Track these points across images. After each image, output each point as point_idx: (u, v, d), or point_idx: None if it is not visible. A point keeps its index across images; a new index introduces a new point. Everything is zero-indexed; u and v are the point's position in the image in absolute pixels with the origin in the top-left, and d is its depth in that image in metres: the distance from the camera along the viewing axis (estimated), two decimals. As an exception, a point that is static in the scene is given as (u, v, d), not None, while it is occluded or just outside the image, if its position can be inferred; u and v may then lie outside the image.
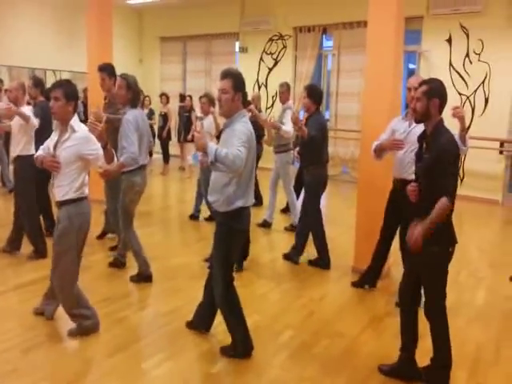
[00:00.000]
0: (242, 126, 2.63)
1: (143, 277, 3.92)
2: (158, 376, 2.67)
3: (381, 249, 3.81)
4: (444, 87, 2.54)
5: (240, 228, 2.75)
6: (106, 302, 3.51)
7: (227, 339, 2.91)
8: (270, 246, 5.10)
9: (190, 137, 8.62)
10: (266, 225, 5.68)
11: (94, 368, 2.72)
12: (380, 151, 3.55)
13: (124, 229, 3.90)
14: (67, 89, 2.82)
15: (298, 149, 4.55)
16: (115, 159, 2.96)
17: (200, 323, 3.10)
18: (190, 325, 3.14)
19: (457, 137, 3.29)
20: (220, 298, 2.80)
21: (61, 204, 2.90)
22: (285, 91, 5.59)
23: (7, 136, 6.30)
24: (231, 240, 2.73)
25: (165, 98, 9.47)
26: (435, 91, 2.48)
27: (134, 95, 3.75)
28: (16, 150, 4.29)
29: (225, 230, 2.73)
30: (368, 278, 3.92)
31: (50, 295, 3.21)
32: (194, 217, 5.99)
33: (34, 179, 4.32)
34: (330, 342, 3.09)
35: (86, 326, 3.04)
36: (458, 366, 2.78)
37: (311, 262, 4.48)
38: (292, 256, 4.54)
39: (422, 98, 2.47)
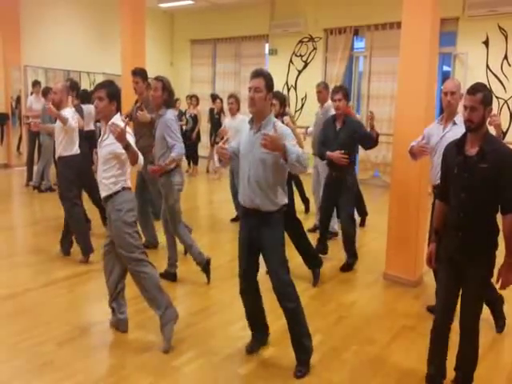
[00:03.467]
0: (285, 128, 2.67)
1: (203, 266, 3.99)
2: (188, 373, 2.70)
3: None
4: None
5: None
6: (138, 300, 3.55)
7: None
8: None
9: (218, 139, 8.72)
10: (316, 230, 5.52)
11: (126, 363, 2.77)
12: (412, 155, 3.53)
13: (174, 228, 3.98)
14: (110, 89, 2.94)
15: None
16: (140, 161, 2.89)
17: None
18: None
19: None
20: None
21: (105, 199, 2.99)
22: (322, 90, 5.35)
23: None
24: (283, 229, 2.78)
25: (194, 99, 9.59)
26: (490, 98, 2.35)
27: (169, 96, 3.85)
28: (58, 151, 4.39)
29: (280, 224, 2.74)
30: None
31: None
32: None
33: (75, 179, 4.43)
34: (360, 348, 3.04)
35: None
36: (494, 379, 2.69)
37: (343, 268, 4.43)
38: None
39: (478, 107, 2.30)
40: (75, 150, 4.39)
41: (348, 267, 4.42)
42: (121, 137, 2.68)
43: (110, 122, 2.87)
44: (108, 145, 2.92)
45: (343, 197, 4.32)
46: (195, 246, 4.00)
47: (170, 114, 3.83)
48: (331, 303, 3.73)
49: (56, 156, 4.46)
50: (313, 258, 4.14)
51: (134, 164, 2.88)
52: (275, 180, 2.67)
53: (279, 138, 2.47)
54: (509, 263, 2.28)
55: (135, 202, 3.10)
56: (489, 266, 2.39)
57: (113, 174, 2.94)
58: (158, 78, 3.87)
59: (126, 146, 2.74)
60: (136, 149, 2.84)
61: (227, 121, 5.96)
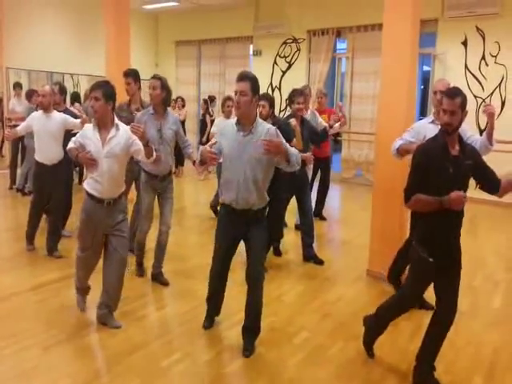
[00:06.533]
0: (273, 129, 2.79)
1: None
2: (176, 374, 2.72)
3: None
4: None
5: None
6: (125, 302, 3.54)
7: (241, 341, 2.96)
8: (284, 247, 5.12)
9: (204, 139, 8.72)
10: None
11: (113, 366, 2.77)
12: (406, 152, 3.47)
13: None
14: (106, 89, 2.99)
15: None
16: (154, 155, 3.19)
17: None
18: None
19: (484, 136, 3.27)
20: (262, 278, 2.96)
21: (115, 200, 3.13)
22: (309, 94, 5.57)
23: None
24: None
25: (180, 101, 9.58)
26: (466, 102, 2.46)
27: (167, 95, 3.89)
28: (54, 156, 4.47)
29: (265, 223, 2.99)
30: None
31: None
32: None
33: (66, 180, 4.61)
34: (345, 344, 3.10)
35: None
36: (474, 371, 2.77)
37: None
38: None
39: (457, 111, 2.40)
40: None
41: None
42: (143, 136, 3.02)
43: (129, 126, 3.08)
44: (120, 143, 3.04)
45: None
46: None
47: (174, 115, 4.09)
48: (316, 300, 3.78)
49: (50, 162, 4.46)
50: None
51: (149, 157, 3.15)
52: (268, 178, 2.87)
53: (280, 142, 2.64)
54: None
55: None
56: (416, 251, 2.61)
57: (122, 174, 3.15)
58: (156, 77, 3.90)
59: (146, 143, 3.08)
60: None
61: (217, 122, 6.04)
